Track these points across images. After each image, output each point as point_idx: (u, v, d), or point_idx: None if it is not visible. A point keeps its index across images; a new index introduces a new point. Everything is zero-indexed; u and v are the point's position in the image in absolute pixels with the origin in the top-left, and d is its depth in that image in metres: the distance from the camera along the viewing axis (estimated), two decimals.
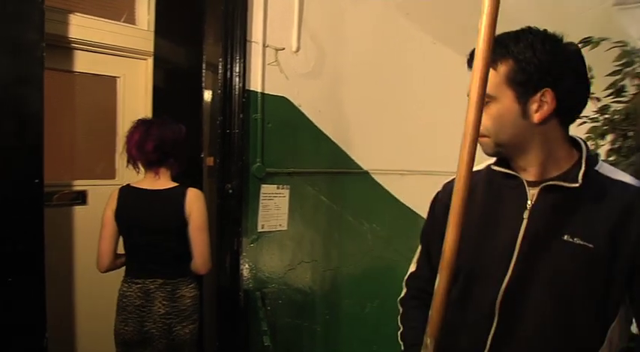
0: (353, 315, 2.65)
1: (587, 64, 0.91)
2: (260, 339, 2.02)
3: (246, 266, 2.19)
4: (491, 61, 0.86)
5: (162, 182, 1.77)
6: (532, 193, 0.91)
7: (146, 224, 1.72)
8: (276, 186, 2.29)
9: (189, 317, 1.76)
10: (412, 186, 2.84)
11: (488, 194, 0.99)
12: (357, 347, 2.67)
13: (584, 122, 1.52)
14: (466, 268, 0.98)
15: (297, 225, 2.38)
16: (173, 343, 1.74)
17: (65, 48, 2.16)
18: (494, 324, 0.93)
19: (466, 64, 0.92)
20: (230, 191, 2.06)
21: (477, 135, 0.76)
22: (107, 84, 2.32)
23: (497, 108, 0.89)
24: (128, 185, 1.79)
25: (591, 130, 1.52)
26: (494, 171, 0.97)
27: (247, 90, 2.14)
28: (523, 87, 0.86)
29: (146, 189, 1.76)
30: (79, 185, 2.23)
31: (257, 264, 2.23)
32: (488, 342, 0.93)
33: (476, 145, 0.77)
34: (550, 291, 0.88)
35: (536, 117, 0.87)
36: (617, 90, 1.46)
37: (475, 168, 0.93)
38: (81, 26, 2.16)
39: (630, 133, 1.49)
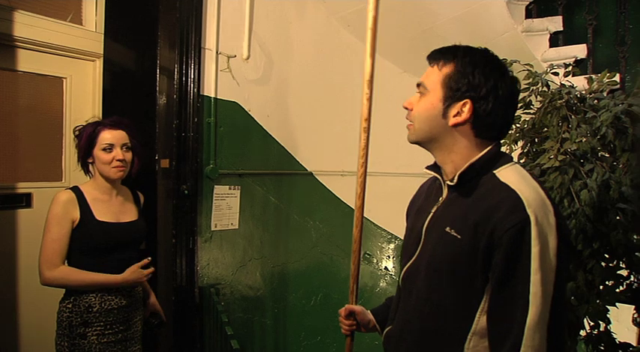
0: (299, 308, 2.81)
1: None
2: (218, 332, 2.11)
3: (201, 263, 2.27)
4: (441, 59, 1.02)
5: None
6: (445, 191, 1.07)
7: None
8: (228, 186, 2.39)
9: (59, 329, 1.64)
10: (352, 185, 3.05)
11: (427, 193, 1.18)
12: (304, 338, 2.84)
13: None
14: (402, 250, 1.19)
15: (248, 224, 2.50)
16: None
17: (8, 46, 2.10)
18: (401, 296, 1.13)
19: (427, 63, 1.06)
20: (185, 192, 2.14)
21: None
22: (53, 84, 2.27)
23: (426, 100, 1.02)
24: None
25: (506, 137, 1.81)
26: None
27: (201, 96, 2.23)
28: (452, 92, 0.99)
29: None
30: (24, 187, 2.17)
31: (211, 262, 2.32)
32: (397, 311, 1.14)
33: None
34: (429, 273, 1.03)
35: (451, 121, 1.00)
36: (526, 104, 1.75)
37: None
38: (25, 24, 2.11)
39: (536, 139, 1.81)
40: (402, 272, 1.12)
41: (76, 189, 1.67)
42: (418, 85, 1.05)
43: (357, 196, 1.35)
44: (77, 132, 1.71)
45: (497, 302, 0.92)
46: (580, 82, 1.75)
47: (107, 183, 1.71)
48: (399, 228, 3.23)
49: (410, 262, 1.09)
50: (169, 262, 2.11)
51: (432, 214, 1.07)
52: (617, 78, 1.65)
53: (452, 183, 1.02)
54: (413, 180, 3.01)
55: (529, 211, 0.88)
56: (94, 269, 1.62)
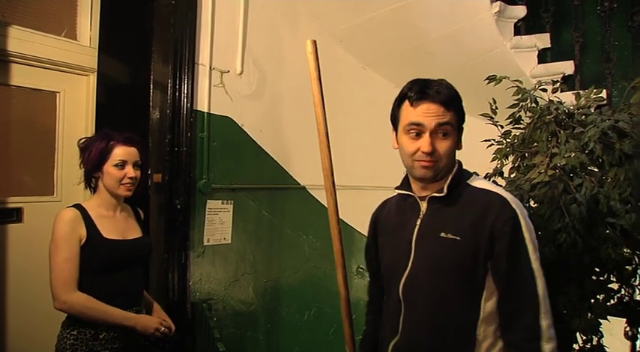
0: (292, 323, 2.79)
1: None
2: (210, 349, 2.09)
3: (193, 278, 2.25)
4: (451, 103, 1.15)
5: None
6: (423, 205, 1.20)
7: None
8: (220, 201, 2.39)
9: None
10: (344, 199, 3.03)
11: (397, 212, 1.29)
12: None
13: (492, 144, 1.83)
14: (386, 270, 1.27)
15: (241, 239, 2.49)
16: None
17: (2, 61, 2.10)
18: (402, 310, 1.18)
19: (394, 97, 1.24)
20: (178, 206, 2.13)
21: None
22: (46, 99, 2.28)
23: (452, 139, 1.16)
24: None
25: (497, 152, 1.83)
26: (400, 194, 1.28)
27: (195, 110, 2.24)
28: (459, 126, 1.19)
29: None
30: (15, 202, 2.15)
31: (203, 277, 2.30)
32: (400, 325, 1.18)
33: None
34: (432, 277, 1.13)
35: (459, 146, 1.19)
36: (516, 120, 1.78)
37: (390, 197, 1.36)
38: (19, 39, 2.12)
39: (526, 154, 1.83)
40: (401, 285, 1.18)
41: (79, 207, 1.59)
42: (441, 125, 1.13)
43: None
44: (82, 145, 1.65)
45: (507, 283, 1.08)
46: (568, 98, 1.77)
47: (112, 199, 1.65)
48: None
49: (406, 273, 1.17)
50: (161, 277, 2.10)
51: (418, 226, 1.19)
52: (603, 94, 1.69)
53: (441, 195, 1.16)
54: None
55: (514, 207, 1.10)
56: (102, 288, 1.54)
